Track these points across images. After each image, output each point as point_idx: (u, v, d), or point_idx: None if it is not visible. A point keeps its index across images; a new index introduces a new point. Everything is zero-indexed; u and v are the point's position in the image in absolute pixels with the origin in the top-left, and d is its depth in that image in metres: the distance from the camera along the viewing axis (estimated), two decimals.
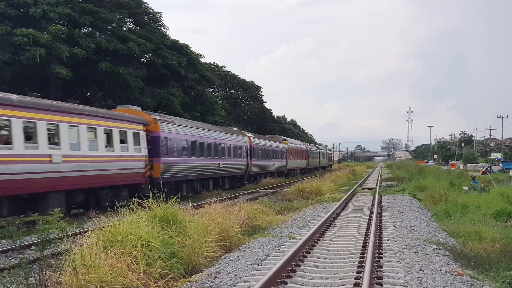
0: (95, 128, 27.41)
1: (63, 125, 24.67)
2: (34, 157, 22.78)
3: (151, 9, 54.56)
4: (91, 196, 27.71)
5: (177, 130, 37.00)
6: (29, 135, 22.90)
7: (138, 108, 35.39)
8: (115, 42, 45.91)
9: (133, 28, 52.83)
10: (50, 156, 23.73)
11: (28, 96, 24.20)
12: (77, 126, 25.78)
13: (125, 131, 30.28)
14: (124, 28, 51.35)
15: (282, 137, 79.50)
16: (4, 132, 22.10)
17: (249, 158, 53.76)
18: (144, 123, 32.58)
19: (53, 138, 24.42)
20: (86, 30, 47.91)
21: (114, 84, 47.13)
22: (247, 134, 56.84)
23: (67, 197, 25.34)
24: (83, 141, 26.28)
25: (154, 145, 33.44)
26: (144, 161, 32.00)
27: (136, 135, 31.36)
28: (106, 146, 28.43)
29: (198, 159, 40.17)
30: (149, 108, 42.38)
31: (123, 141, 29.99)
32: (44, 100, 24.71)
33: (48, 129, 23.91)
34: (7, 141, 21.67)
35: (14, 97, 22.45)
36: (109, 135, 28.87)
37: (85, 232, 14.32)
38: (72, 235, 13.58)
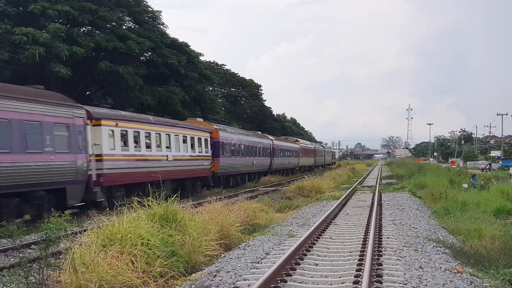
0: (185, 136, 39.10)
1: (172, 135, 36.95)
2: (160, 156, 35.01)
3: (150, 7, 54.59)
4: (180, 185, 37.72)
5: (229, 136, 48.86)
6: (158, 142, 34.87)
7: (201, 119, 47.29)
8: (115, 41, 45.88)
9: (132, 26, 52.80)
10: (167, 156, 35.96)
11: (153, 116, 36.03)
12: (177, 135, 37.91)
13: (200, 138, 41.90)
14: (124, 27, 51.31)
15: (295, 138, 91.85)
16: (147, 141, 33.49)
17: (272, 157, 65.17)
18: (209, 131, 43.99)
19: (168, 144, 36.31)
20: (86, 29, 47.89)
21: (113, 83, 47.11)
22: (269, 137, 67.49)
23: (171, 184, 35.66)
24: (181, 146, 38.15)
25: (215, 148, 44.58)
26: (210, 160, 43.62)
27: (205, 141, 42.93)
28: (191, 149, 39.88)
29: (241, 158, 51.67)
30: (150, 107, 44.63)
31: (199, 145, 41.68)
32: (162, 118, 37.27)
33: (166, 138, 35.99)
34: (148, 146, 33.46)
35: (151, 117, 35.11)
36: (192, 141, 40.30)
37: (85, 231, 14.32)
38: (71, 234, 13.61)
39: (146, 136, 33.43)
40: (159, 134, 34.90)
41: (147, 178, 31.63)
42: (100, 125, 28.51)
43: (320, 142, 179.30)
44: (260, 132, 71.87)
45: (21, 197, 22.21)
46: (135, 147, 32.15)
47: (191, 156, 39.66)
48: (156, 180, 26.01)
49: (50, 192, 23.84)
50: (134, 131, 32.03)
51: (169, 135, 36.36)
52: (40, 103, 23.24)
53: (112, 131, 29.70)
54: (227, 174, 47.80)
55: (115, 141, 30.00)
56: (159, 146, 34.92)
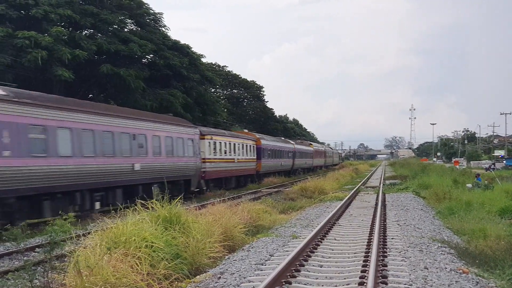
0: (243, 144, 52.72)
1: (237, 144, 50.78)
2: (231, 159, 48.83)
3: (152, 9, 54.61)
4: (238, 180, 52.23)
5: (267, 143, 63.03)
6: (230, 149, 48.04)
7: (246, 130, 65.53)
8: (117, 44, 45.92)
9: (134, 29, 52.85)
10: (233, 159, 49.44)
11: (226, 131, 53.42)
12: (239, 144, 51.49)
13: (250, 145, 55.53)
14: (125, 29, 51.35)
15: (308, 142, 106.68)
16: (225, 148, 46.76)
17: (293, 158, 78.00)
18: (254, 140, 57.84)
19: (235, 151, 49.69)
20: (88, 32, 47.93)
21: (115, 85, 47.13)
22: (291, 142, 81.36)
23: (235, 180, 51.30)
24: (241, 151, 51.79)
25: (258, 152, 58.37)
26: (255, 162, 57.12)
27: (252, 147, 56.36)
28: (246, 154, 53.39)
29: (274, 160, 66.12)
30: (152, 110, 45.18)
31: (250, 151, 55.14)
32: (232, 132, 53.87)
33: (233, 146, 49.41)
34: (225, 152, 46.67)
35: (226, 132, 50.59)
36: (246, 147, 53.64)
37: (89, 233, 14.30)
38: (76, 237, 13.59)
39: (224, 145, 47.25)
40: (231, 143, 49.05)
41: (226, 174, 48.15)
42: (204, 138, 42.60)
43: (323, 143, 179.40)
44: (283, 138, 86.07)
45: (173, 183, 34.27)
46: (220, 153, 45.77)
47: (246, 159, 53.71)
48: (229, 176, 49.18)
49: (184, 181, 37.61)
50: (219, 142, 45.82)
51: (235, 144, 50.34)
52: (181, 126, 38.10)
53: (209, 142, 43.59)
54: (265, 172, 61.69)
55: (211, 149, 43.86)
56: (231, 152, 48.70)
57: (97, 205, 27.45)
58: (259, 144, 58.83)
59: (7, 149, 21.31)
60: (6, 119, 21.43)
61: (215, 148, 44.39)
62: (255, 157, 57.21)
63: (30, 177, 22.59)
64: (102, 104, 36.58)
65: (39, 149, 23.29)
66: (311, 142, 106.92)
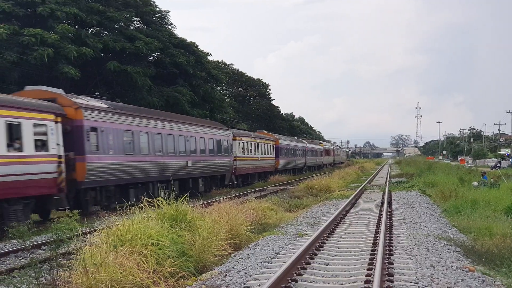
0: (264, 144, 59.92)
1: (260, 143, 57.61)
2: (256, 158, 55.59)
3: (158, 7, 54.61)
4: (260, 176, 59.17)
5: (284, 143, 70.75)
6: (255, 149, 55.09)
7: (265, 131, 69.54)
8: (123, 41, 45.95)
9: (140, 27, 52.86)
10: (257, 157, 56.27)
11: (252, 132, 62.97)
12: (262, 144, 58.67)
13: (270, 145, 62.73)
14: (132, 27, 51.38)
15: (319, 141, 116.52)
16: (251, 148, 53.78)
17: (306, 156, 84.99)
18: (273, 140, 64.76)
19: (258, 150, 56.52)
20: (94, 30, 47.97)
21: (122, 83, 47.18)
22: (304, 141, 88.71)
23: (258, 175, 57.99)
24: (263, 150, 58.78)
25: (276, 151, 65.64)
26: (274, 159, 64.18)
27: (272, 146, 63.41)
28: (267, 152, 60.87)
29: (290, 158, 74.08)
30: (158, 107, 46.08)
31: (270, 149, 62.54)
32: (256, 133, 59.93)
33: (257, 146, 56.21)
34: (251, 151, 53.39)
35: (251, 133, 56.69)
36: (267, 147, 61.34)
37: (95, 231, 14.32)
38: (82, 234, 13.60)
39: (250, 145, 54.07)
40: (255, 143, 55.93)
41: (252, 171, 55.24)
42: (235, 139, 49.62)
43: (329, 141, 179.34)
44: (296, 138, 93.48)
45: (211, 178, 43.38)
46: (247, 152, 52.91)
47: (267, 157, 60.50)
48: (254, 172, 56.11)
49: (220, 176, 45.48)
50: (246, 143, 52.94)
51: (258, 144, 57.22)
52: (219, 129, 45.63)
53: (239, 143, 50.75)
54: (282, 169, 67.92)
55: (240, 149, 50.92)
56: (255, 151, 55.71)
57: (162, 194, 27.68)
58: (277, 144, 65.94)
59: (111, 148, 28.55)
60: (110, 126, 28.50)
61: (243, 148, 51.75)
62: (274, 156, 64.26)
63: (124, 170, 29.87)
64: (164, 112, 41.99)
65: (129, 149, 30.49)
66: (321, 141, 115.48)
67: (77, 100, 26.95)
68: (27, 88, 27.37)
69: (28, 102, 23.18)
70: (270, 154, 62.53)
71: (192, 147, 38.90)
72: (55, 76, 41.72)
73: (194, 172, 38.91)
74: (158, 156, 33.75)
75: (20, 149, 22.08)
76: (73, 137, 25.94)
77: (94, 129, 27.09)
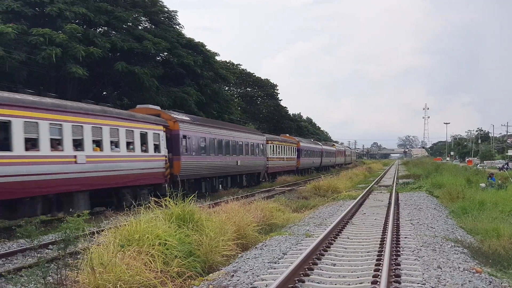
0: (289, 146, 69.22)
1: (285, 146, 66.80)
2: (282, 158, 65.16)
3: (166, 7, 54.66)
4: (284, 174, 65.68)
5: (304, 145, 79.12)
6: (281, 150, 64.61)
7: (287, 134, 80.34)
8: (131, 41, 46.01)
9: (148, 27, 52.93)
10: (283, 158, 66.23)
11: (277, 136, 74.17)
12: (286, 146, 68.39)
13: (292, 147, 71.20)
14: (140, 27, 51.45)
15: (331, 142, 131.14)
16: (279, 150, 62.55)
17: (321, 157, 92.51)
18: (295, 142, 73.54)
19: (284, 151, 66.08)
20: (102, 29, 48.04)
21: (129, 83, 47.25)
22: (319, 143, 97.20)
23: (283, 174, 64.84)
24: (287, 152, 67.99)
25: (298, 152, 73.87)
26: (295, 160, 72.47)
27: (294, 148, 71.87)
28: (290, 154, 70.01)
29: (308, 158, 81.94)
30: (165, 107, 45.30)
31: (292, 151, 70.85)
32: (281, 137, 68.91)
33: (283, 148, 65.45)
34: (278, 153, 62.79)
35: (279, 137, 67.88)
36: (290, 149, 70.47)
37: (102, 231, 14.36)
38: (89, 234, 13.64)
39: (278, 148, 63.84)
40: (282, 146, 66.08)
41: (279, 169, 64.17)
42: (268, 143, 58.74)
43: (336, 142, 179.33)
44: (312, 140, 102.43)
45: (251, 175, 52.88)
46: (276, 153, 62.57)
47: (290, 157, 70.13)
48: (281, 171, 64.15)
49: (257, 174, 54.43)
50: (276, 145, 62.60)
51: (284, 146, 67.00)
52: (257, 135, 55.34)
53: (271, 146, 60.08)
54: (302, 168, 77.73)
55: (271, 151, 60.17)
56: (281, 153, 65.77)
57: (220, 187, 43.61)
58: (298, 146, 74.39)
59: (194, 151, 37.86)
60: (192, 134, 37.83)
61: (273, 150, 61.27)
62: (296, 156, 72.82)
63: (200, 168, 38.96)
64: (222, 122, 53.37)
65: (203, 151, 39.57)
66: (334, 143, 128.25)
67: (174, 115, 36.38)
68: (138, 106, 36.27)
69: (151, 118, 32.87)
70: (293, 155, 71.90)
71: (241, 150, 48.67)
72: (63, 76, 41.82)
73: (241, 170, 48.84)
74: (221, 157, 43.27)
75: (146, 150, 31.51)
76: (172, 142, 35.14)
77: (184, 137, 36.54)
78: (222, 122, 50.44)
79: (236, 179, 47.73)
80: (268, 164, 58.43)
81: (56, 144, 23.70)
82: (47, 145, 22.99)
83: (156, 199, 15.94)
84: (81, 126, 25.34)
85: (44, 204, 23.20)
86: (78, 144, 25.18)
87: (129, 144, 29.75)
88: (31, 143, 22.20)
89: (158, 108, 36.78)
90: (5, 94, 21.51)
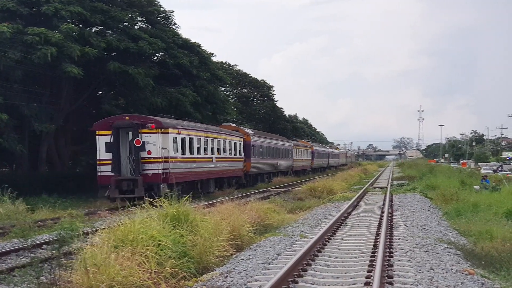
0: (305, 150, 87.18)
1: (303, 150, 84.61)
2: (301, 159, 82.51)
3: (162, 7, 54.52)
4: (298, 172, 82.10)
5: (316, 149, 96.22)
6: (302, 153, 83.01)
7: (303, 140, 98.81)
8: (126, 41, 45.86)
9: (144, 26, 52.81)
10: (303, 159, 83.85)
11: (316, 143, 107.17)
12: (304, 149, 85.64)
13: (308, 150, 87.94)
14: (136, 27, 51.32)
15: (335, 145, 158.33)
16: (300, 152, 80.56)
17: (328, 158, 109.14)
18: (310, 147, 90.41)
19: (302, 153, 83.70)
20: (97, 29, 47.93)
21: (124, 83, 47.13)
22: (326, 147, 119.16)
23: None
24: (305, 154, 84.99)
25: (312, 154, 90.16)
26: (310, 160, 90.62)
27: (309, 151, 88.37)
28: (306, 155, 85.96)
29: (319, 160, 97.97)
30: (161, 108, 46.75)
31: (308, 154, 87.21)
32: (300, 142, 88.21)
33: (303, 151, 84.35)
34: (298, 156, 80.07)
35: (299, 142, 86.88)
36: (306, 151, 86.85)
37: (96, 231, 14.37)
38: (83, 234, 13.65)
39: (299, 151, 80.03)
40: (301, 150, 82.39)
41: (300, 168, 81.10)
42: (293, 148, 76.12)
43: (332, 143, 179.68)
44: (321, 144, 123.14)
45: (282, 172, 68.76)
46: (298, 155, 78.98)
47: (306, 159, 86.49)
48: (300, 169, 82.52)
49: (286, 171, 71.19)
50: (297, 149, 78.75)
51: (302, 150, 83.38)
52: (287, 142, 74.93)
53: (294, 150, 76.25)
54: (314, 168, 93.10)
55: (295, 153, 76.80)
56: (302, 155, 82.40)
57: (266, 180, 60.19)
58: (312, 149, 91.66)
59: (256, 155, 54.86)
60: (256, 143, 55.51)
61: (296, 153, 78.11)
62: (310, 158, 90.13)
63: (261, 166, 57.74)
64: (268, 133, 72.06)
65: (263, 154, 57.66)
66: (337, 146, 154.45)
67: (246, 130, 55.69)
68: (224, 124, 54.27)
69: (237, 133, 50.64)
70: (309, 157, 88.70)
71: (279, 154, 66.22)
72: (58, 75, 41.74)
73: (279, 168, 66.67)
74: (271, 159, 61.78)
75: (235, 155, 48.53)
76: (245, 149, 51.90)
77: (253, 145, 54.35)
78: (269, 134, 69.82)
79: (277, 175, 65.26)
80: (293, 164, 75.47)
81: (202, 150, 40.29)
82: (199, 151, 39.66)
83: (151, 200, 15.98)
84: (212, 139, 42.61)
85: (201, 185, 40.76)
86: (211, 150, 42.27)
87: (228, 150, 46.68)
88: (199, 149, 39.82)
89: (234, 125, 55.49)
90: (184, 122, 39.17)
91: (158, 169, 32.72)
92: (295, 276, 11.76)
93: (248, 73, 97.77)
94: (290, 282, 11.24)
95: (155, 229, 13.01)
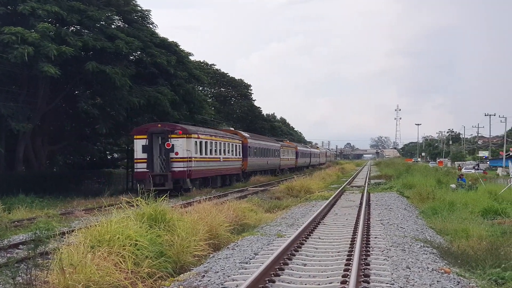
0: (288, 150, 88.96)
1: (293, 150, 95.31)
2: (287, 159, 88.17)
3: (139, 6, 54.34)
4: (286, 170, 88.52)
5: (300, 149, 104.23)
6: (291, 153, 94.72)
7: (287, 140, 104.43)
8: (103, 40, 45.60)
9: (121, 26, 52.57)
10: (294, 158, 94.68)
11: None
12: (293, 150, 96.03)
13: (292, 150, 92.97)
14: (113, 26, 51.05)
15: (314, 144, 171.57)
16: (289, 153, 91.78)
17: (310, 158, 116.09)
18: (294, 147, 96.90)
19: (291, 154, 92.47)
20: (74, 28, 47.63)
21: (101, 82, 46.86)
22: (308, 147, 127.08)
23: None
24: (287, 154, 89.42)
25: (296, 154, 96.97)
26: (295, 160, 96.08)
27: (293, 151, 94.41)
28: (290, 155, 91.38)
29: (302, 159, 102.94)
30: (139, 107, 47.56)
31: (292, 154, 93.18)
32: (297, 144, 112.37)
33: (292, 152, 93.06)
34: (288, 154, 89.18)
35: (290, 143, 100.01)
36: (288, 151, 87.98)
37: (73, 231, 14.30)
38: (59, 234, 13.58)
39: (286, 151, 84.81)
40: (288, 150, 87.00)
41: (286, 166, 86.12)
42: (280, 148, 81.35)
43: (311, 142, 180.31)
44: (303, 144, 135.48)
45: (271, 170, 75.91)
46: (285, 155, 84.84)
47: (292, 158, 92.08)
48: (286, 168, 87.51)
49: (274, 169, 78.01)
50: (284, 150, 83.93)
51: (288, 150, 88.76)
52: (276, 143, 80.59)
53: (281, 150, 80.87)
54: (298, 166, 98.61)
55: (282, 153, 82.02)
56: (288, 154, 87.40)
57: (261, 177, 64.11)
58: (296, 149, 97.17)
59: (251, 155, 61.68)
60: (252, 145, 62.53)
61: (283, 153, 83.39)
62: (295, 157, 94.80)
63: (256, 165, 65.26)
64: (261, 135, 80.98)
65: (257, 154, 65.11)
66: (318, 146, 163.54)
67: (244, 134, 62.50)
68: (224, 128, 64.98)
69: (236, 136, 57.72)
70: (294, 156, 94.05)
71: (270, 154, 73.80)
72: (35, 75, 41.46)
73: (270, 167, 74.11)
74: (263, 158, 69.58)
75: (235, 155, 55.17)
76: (243, 150, 58.80)
77: (249, 147, 61.00)
78: (262, 136, 78.82)
79: (267, 172, 72.32)
80: (281, 163, 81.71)
81: (213, 151, 47.79)
82: (211, 152, 47.37)
83: (128, 199, 15.95)
84: (220, 142, 50.22)
85: (211, 180, 48.28)
86: (219, 151, 49.61)
87: (231, 151, 54.08)
88: (211, 151, 47.42)
89: (233, 129, 65.43)
90: (201, 128, 48.89)
91: (184, 167, 40.82)
92: (272, 275, 11.78)
93: (226, 72, 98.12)
94: (267, 281, 11.26)
95: (131, 229, 12.96)
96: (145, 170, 39.93)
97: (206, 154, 45.72)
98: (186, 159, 40.95)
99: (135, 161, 41.40)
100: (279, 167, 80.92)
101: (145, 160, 40.29)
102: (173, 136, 40.71)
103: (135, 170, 41.74)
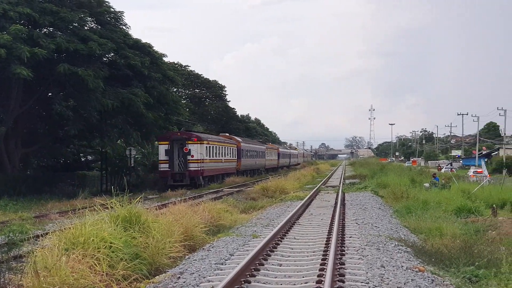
0: (275, 152, 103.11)
1: (276, 152, 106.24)
2: (271, 160, 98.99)
3: (112, 8, 54.02)
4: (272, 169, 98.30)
5: (282, 151, 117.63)
6: (269, 154, 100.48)
7: (271, 143, 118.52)
8: (76, 42, 45.27)
9: (94, 27, 52.23)
10: (277, 159, 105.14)
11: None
12: (276, 151, 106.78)
13: (274, 152, 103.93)
14: (85, 28, 50.72)
15: (294, 147, 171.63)
16: (273, 154, 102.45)
17: (290, 158, 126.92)
18: (276, 148, 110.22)
19: (274, 155, 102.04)
20: (47, 30, 47.25)
21: (74, 84, 46.52)
22: (288, 148, 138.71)
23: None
24: (273, 155, 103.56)
25: (278, 155, 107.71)
26: (277, 160, 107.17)
27: (276, 152, 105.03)
28: (273, 156, 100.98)
29: (284, 159, 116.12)
30: (113, 109, 47.24)
31: (274, 155, 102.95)
32: (281, 146, 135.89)
33: (275, 153, 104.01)
34: (272, 155, 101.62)
35: (273, 145, 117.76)
36: (272, 153, 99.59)
37: (47, 234, 14.21)
38: (34, 237, 13.48)
39: (269, 153, 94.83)
40: (271, 151, 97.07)
41: (270, 166, 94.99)
42: (266, 149, 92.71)
43: (285, 143, 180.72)
44: (284, 145, 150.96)
45: (256, 170, 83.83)
46: (269, 156, 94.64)
47: (275, 159, 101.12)
48: (270, 167, 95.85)
49: (260, 169, 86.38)
50: (269, 151, 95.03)
51: (272, 151, 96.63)
52: (261, 146, 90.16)
53: (266, 151, 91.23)
54: (280, 166, 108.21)
55: (267, 154, 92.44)
56: (271, 155, 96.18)
57: (249, 175, 73.60)
58: (278, 151, 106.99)
59: (244, 156, 71.76)
60: (244, 148, 72.87)
61: (267, 154, 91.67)
62: (277, 158, 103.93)
63: (248, 165, 75.50)
64: (251, 139, 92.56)
65: (247, 156, 74.72)
66: (296, 147, 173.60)
67: (237, 138, 71.89)
68: (221, 134, 69.21)
69: (232, 141, 67.37)
70: (276, 157, 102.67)
71: (258, 155, 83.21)
72: (7, 77, 41.08)
73: (257, 167, 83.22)
74: (252, 159, 78.13)
75: (230, 157, 63.59)
76: (238, 152, 67.55)
77: (242, 150, 70.07)
78: (251, 140, 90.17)
79: (255, 172, 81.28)
80: (266, 163, 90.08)
81: (217, 154, 56.56)
82: (216, 155, 56.39)
83: (102, 201, 15.86)
84: (221, 146, 59.21)
85: (215, 177, 57.20)
86: (221, 154, 58.51)
87: (229, 154, 62.96)
88: (216, 154, 56.38)
89: (228, 134, 72.67)
90: (209, 135, 59.16)
91: (198, 167, 50.73)
92: (248, 276, 11.80)
93: (200, 73, 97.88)
94: (243, 282, 11.28)
95: (106, 231, 12.90)
96: (167, 169, 49.73)
97: (213, 156, 55.58)
98: (199, 161, 50.79)
99: (159, 162, 51.43)
100: (265, 167, 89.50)
101: (167, 161, 49.95)
102: (189, 142, 50.85)
103: (159, 169, 51.30)
